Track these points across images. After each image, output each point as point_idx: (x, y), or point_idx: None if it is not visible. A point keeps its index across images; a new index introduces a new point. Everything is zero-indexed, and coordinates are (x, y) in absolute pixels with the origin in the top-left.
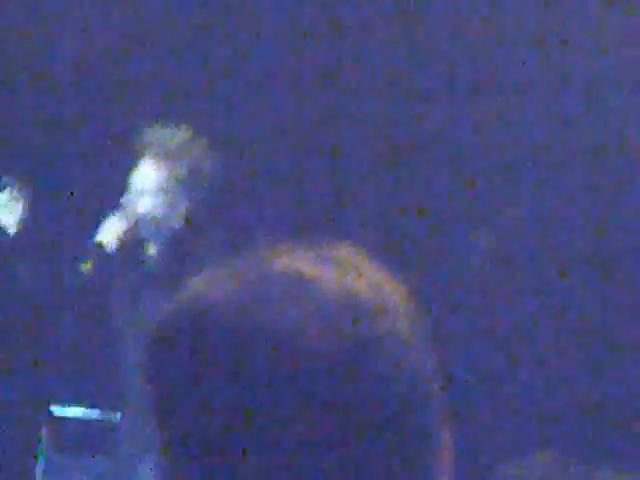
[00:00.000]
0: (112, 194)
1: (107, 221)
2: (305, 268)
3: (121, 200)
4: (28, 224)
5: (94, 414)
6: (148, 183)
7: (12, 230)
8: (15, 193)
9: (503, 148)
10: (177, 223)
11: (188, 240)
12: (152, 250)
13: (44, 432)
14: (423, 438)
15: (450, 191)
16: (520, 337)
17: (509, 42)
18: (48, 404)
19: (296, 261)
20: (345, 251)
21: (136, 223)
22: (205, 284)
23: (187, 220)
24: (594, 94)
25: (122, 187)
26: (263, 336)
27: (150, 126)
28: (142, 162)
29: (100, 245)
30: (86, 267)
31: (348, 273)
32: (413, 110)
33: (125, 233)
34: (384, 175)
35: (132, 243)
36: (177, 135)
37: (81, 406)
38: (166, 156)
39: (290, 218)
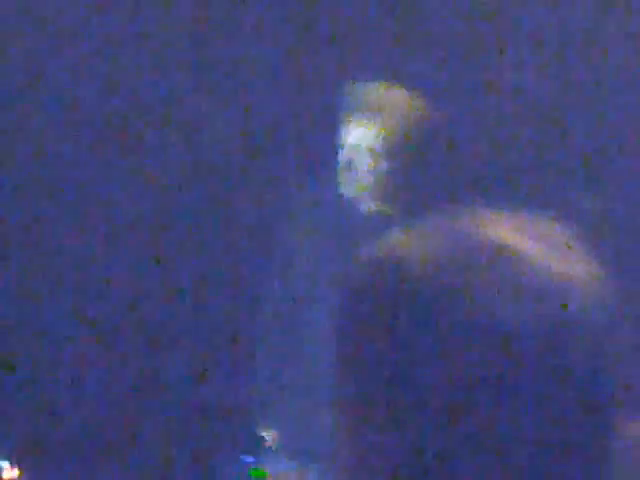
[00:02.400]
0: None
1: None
2: (511, 241)
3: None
4: None
5: None
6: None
7: None
8: None
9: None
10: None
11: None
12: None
13: None
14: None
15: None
16: None
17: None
18: None
19: (501, 232)
20: (553, 227)
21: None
22: (408, 239)
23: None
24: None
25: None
26: (461, 310)
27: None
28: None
29: None
30: None
31: (556, 252)
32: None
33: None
34: None
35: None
36: (375, 90)
37: None
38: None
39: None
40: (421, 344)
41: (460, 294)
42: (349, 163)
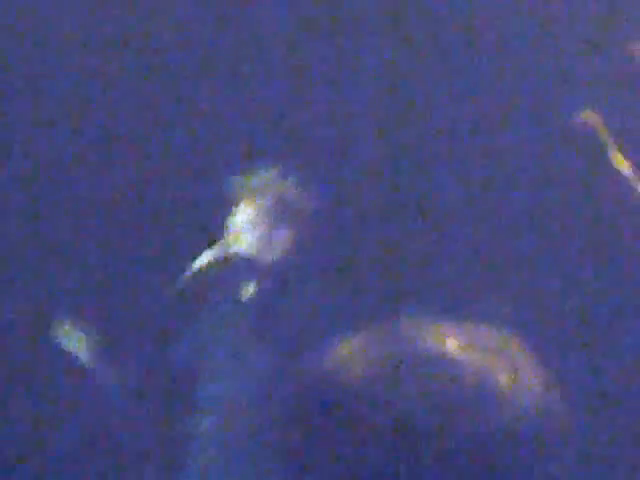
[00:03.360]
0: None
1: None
2: (450, 351)
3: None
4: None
5: None
6: (244, 223)
7: None
8: None
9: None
10: (272, 258)
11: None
12: (249, 286)
13: None
14: None
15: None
16: None
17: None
18: None
19: (441, 342)
20: (495, 336)
21: (232, 259)
22: (349, 354)
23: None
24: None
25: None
26: (394, 424)
27: (241, 172)
28: (236, 204)
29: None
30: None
31: (494, 361)
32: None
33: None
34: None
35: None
36: (265, 174)
37: None
38: (257, 195)
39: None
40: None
41: (397, 405)
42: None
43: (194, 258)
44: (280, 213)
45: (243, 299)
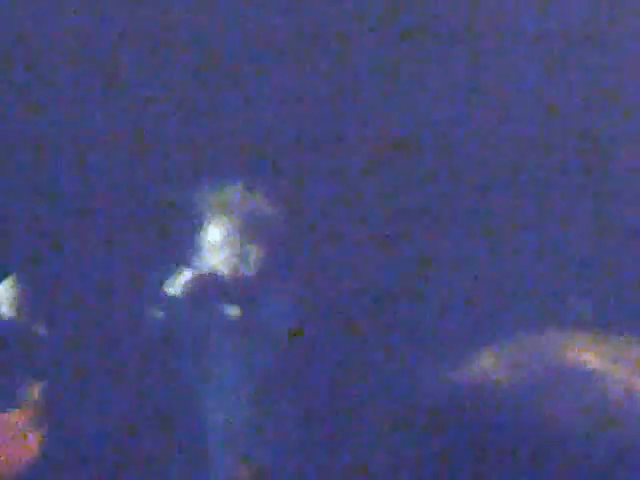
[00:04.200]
0: (180, 251)
1: (176, 276)
2: (599, 365)
3: (190, 257)
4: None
5: None
6: (214, 239)
7: None
8: None
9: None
10: (247, 275)
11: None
12: (225, 300)
13: None
14: None
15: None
16: None
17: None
18: None
19: (589, 356)
20: (636, 348)
21: (206, 276)
22: (493, 360)
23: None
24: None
25: (191, 244)
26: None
27: (211, 188)
28: (207, 220)
29: (169, 298)
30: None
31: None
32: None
33: (195, 287)
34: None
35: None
36: (234, 190)
37: None
38: (226, 211)
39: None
40: (508, 468)
41: (549, 421)
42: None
43: (165, 280)
44: (251, 228)
45: (222, 320)
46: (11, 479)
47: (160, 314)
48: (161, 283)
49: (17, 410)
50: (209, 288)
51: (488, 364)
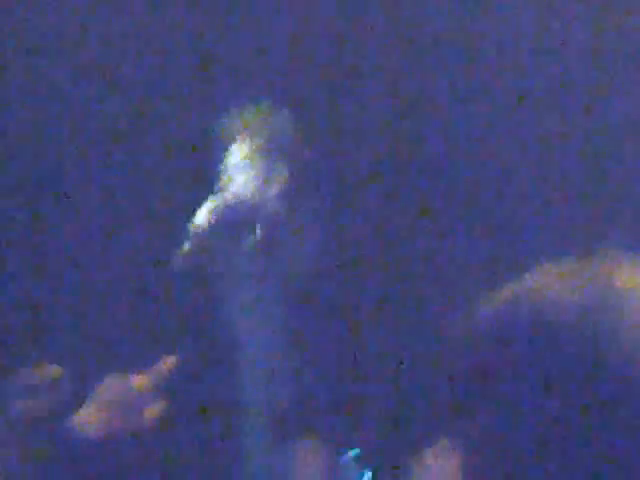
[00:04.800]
0: (205, 181)
1: (203, 205)
2: None
3: (217, 182)
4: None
5: None
6: (239, 162)
7: None
8: None
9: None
10: (272, 197)
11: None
12: (252, 229)
13: None
14: None
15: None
16: None
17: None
18: None
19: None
20: None
21: (233, 203)
22: (546, 279)
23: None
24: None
25: (214, 172)
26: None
27: (236, 112)
28: (232, 143)
29: (199, 228)
30: (187, 247)
31: None
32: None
33: (222, 214)
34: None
35: (230, 224)
36: (257, 112)
37: None
38: (250, 133)
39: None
40: (566, 387)
41: (604, 339)
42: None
43: (194, 209)
44: (275, 151)
45: (248, 246)
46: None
47: (189, 247)
48: (192, 213)
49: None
50: (236, 215)
51: (547, 278)
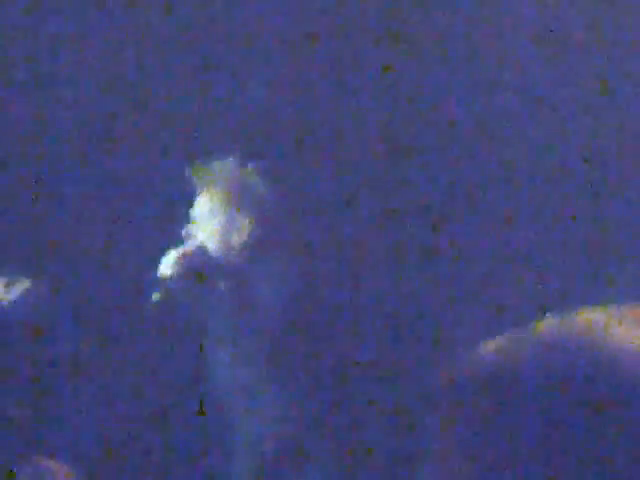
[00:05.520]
0: (173, 226)
1: (171, 251)
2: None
3: (182, 231)
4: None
5: None
6: (205, 213)
7: None
8: None
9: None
10: (236, 247)
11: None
12: (215, 274)
13: None
14: None
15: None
16: None
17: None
18: None
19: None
20: None
21: (198, 250)
22: (522, 345)
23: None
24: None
25: (183, 219)
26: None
27: (202, 163)
28: (198, 194)
29: (167, 275)
30: (156, 296)
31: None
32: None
33: (189, 261)
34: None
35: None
36: (226, 166)
37: None
38: (218, 186)
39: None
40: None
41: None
42: None
43: (160, 256)
44: (240, 201)
45: (212, 292)
46: None
47: (158, 294)
48: (158, 261)
49: None
50: (201, 264)
51: (541, 335)
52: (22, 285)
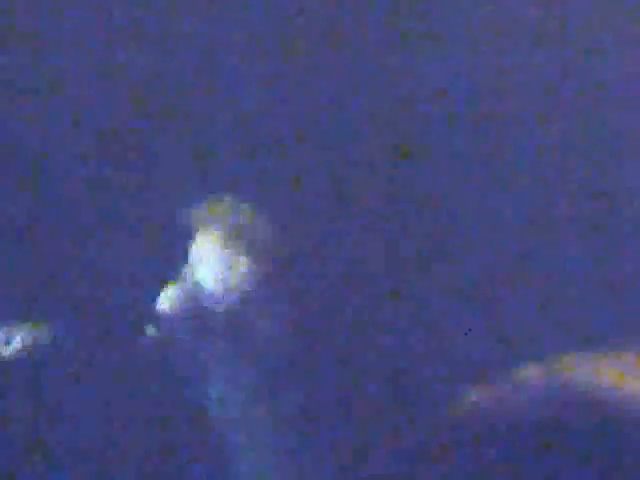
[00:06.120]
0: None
1: (166, 291)
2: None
3: (180, 270)
4: None
5: None
6: (204, 253)
7: None
8: None
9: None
10: (234, 290)
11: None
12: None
13: None
14: None
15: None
16: None
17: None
18: None
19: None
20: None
21: (195, 291)
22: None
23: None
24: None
25: (180, 258)
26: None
27: (201, 203)
28: (197, 235)
29: (161, 314)
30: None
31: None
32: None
33: (185, 301)
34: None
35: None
36: (226, 206)
37: None
38: (213, 225)
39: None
40: None
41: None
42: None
43: (156, 297)
44: (236, 241)
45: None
46: None
47: (153, 330)
48: (153, 299)
49: None
50: (198, 303)
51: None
52: (22, 331)
